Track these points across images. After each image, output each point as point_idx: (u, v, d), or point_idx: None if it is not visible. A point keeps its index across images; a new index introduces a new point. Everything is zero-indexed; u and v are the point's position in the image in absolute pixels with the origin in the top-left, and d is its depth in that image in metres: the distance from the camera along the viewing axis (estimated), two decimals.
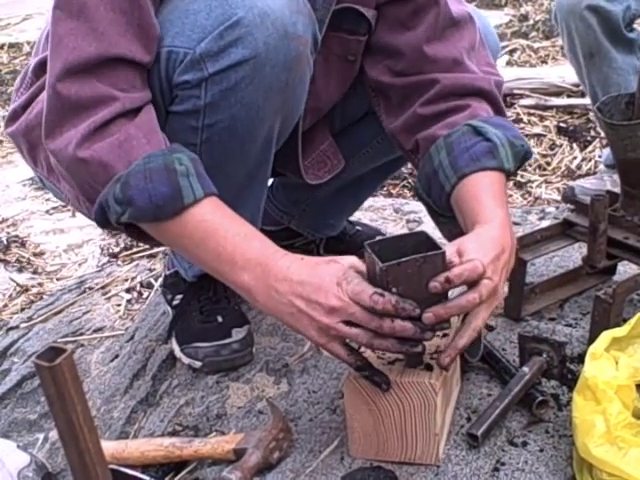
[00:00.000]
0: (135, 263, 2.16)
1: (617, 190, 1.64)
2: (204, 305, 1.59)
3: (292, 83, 1.28)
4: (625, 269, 1.67)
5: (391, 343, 1.08)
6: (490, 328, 1.53)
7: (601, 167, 2.53)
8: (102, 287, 2.02)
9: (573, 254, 1.81)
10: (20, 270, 2.41)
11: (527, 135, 3.00)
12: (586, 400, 1.12)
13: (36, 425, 1.50)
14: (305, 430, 1.32)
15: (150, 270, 2.08)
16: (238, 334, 1.54)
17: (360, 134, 1.70)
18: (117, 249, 2.38)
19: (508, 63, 3.87)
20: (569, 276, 1.65)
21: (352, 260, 1.12)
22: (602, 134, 2.78)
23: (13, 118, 1.44)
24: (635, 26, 2.16)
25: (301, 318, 1.10)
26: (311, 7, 1.32)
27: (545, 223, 2.02)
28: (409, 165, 2.52)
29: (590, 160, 2.77)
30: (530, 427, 1.27)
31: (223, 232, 1.15)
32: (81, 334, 1.79)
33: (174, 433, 1.38)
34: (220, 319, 1.57)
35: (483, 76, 1.42)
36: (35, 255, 2.50)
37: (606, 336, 1.21)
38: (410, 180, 2.71)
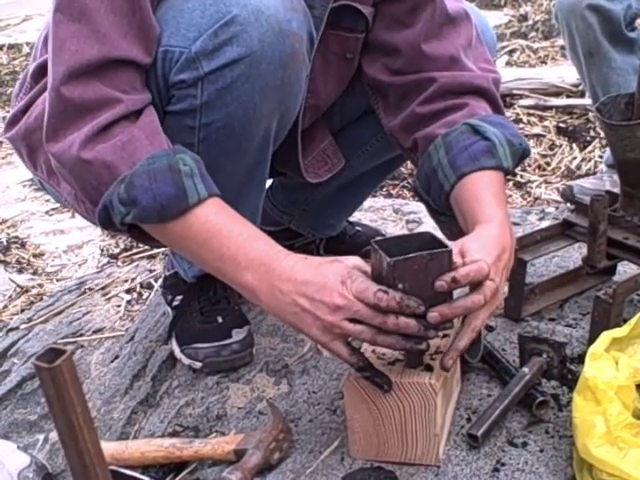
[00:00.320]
0: (135, 264, 2.16)
1: (617, 190, 1.64)
2: (204, 306, 1.59)
3: (288, 81, 1.28)
4: (625, 269, 1.67)
5: (395, 339, 1.08)
6: (490, 328, 1.53)
7: (601, 167, 2.53)
8: (102, 288, 2.02)
9: (573, 254, 1.81)
10: (20, 271, 2.41)
11: (527, 135, 3.00)
12: (586, 400, 1.12)
13: (36, 426, 1.50)
14: (305, 431, 1.32)
15: (150, 271, 2.08)
16: (238, 335, 1.54)
17: (359, 132, 1.70)
18: (117, 250, 2.38)
19: (507, 63, 3.87)
20: (569, 276, 1.65)
21: (355, 260, 1.12)
22: (602, 134, 2.79)
23: (12, 123, 1.44)
24: (636, 25, 2.16)
25: (305, 317, 1.10)
26: (309, 5, 1.33)
27: (545, 223, 2.02)
28: (409, 165, 2.54)
29: (590, 160, 2.77)
30: (530, 427, 1.27)
31: (226, 232, 1.15)
32: (81, 335, 1.79)
33: (174, 434, 1.38)
34: (220, 320, 1.57)
35: (481, 74, 1.42)
36: (35, 256, 2.50)
37: (606, 336, 1.21)
38: (410, 180, 2.71)
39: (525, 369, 1.29)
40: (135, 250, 2.28)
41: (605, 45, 2.10)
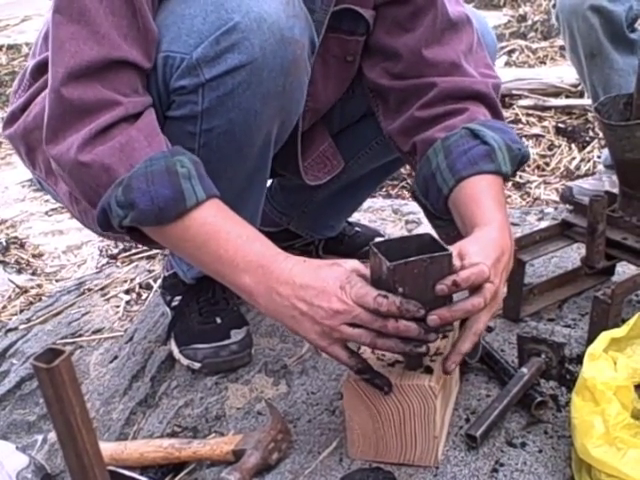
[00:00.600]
0: (134, 264, 2.16)
1: (615, 191, 1.64)
2: (203, 306, 1.59)
3: (289, 87, 1.28)
4: (624, 270, 1.67)
5: (395, 343, 1.08)
6: (489, 329, 1.53)
7: (600, 167, 2.53)
8: (101, 288, 2.02)
9: (572, 255, 1.81)
10: (19, 271, 2.41)
11: (526, 136, 3.00)
12: (585, 401, 1.12)
13: (35, 426, 1.50)
14: (304, 431, 1.32)
15: (149, 271, 2.08)
16: (237, 335, 1.54)
17: (359, 135, 1.70)
18: (116, 250, 2.38)
19: (507, 64, 3.87)
20: (568, 277, 1.65)
21: (354, 264, 1.12)
22: (601, 134, 2.79)
23: (11, 120, 1.44)
24: (637, 26, 2.16)
25: (303, 321, 1.10)
26: (310, 9, 1.32)
27: (544, 224, 2.02)
28: (408, 166, 2.53)
29: (589, 161, 2.77)
30: (529, 428, 1.27)
31: (225, 234, 1.15)
32: (80, 335, 1.79)
33: (173, 434, 1.38)
34: (219, 320, 1.57)
35: (481, 79, 1.42)
36: (34, 256, 2.50)
37: (605, 337, 1.21)
38: (409, 181, 2.71)
39: (524, 369, 1.29)
40: (134, 251, 2.28)
41: (607, 46, 2.10)
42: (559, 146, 2.91)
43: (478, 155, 1.30)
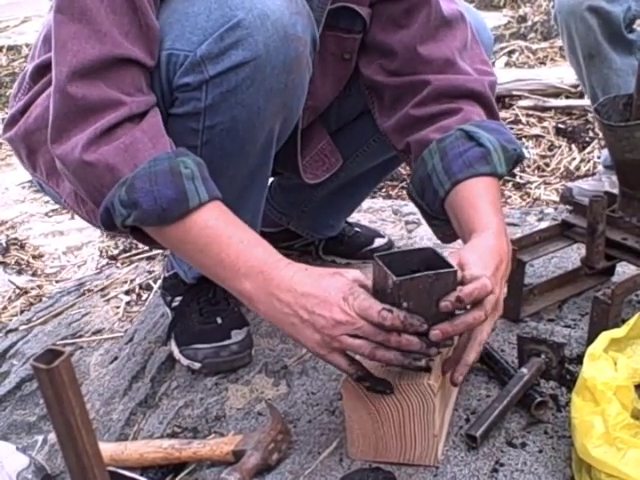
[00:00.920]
0: (134, 265, 2.16)
1: (615, 191, 1.64)
2: (203, 307, 1.59)
3: (292, 84, 1.28)
4: (624, 270, 1.67)
5: (394, 355, 1.08)
6: None
7: (600, 168, 2.53)
8: (101, 289, 2.02)
9: (572, 255, 1.81)
10: (19, 272, 2.41)
11: (526, 136, 3.00)
12: (585, 401, 1.12)
13: (35, 427, 1.50)
14: (304, 431, 1.32)
15: (149, 272, 2.08)
16: (237, 336, 1.54)
17: (357, 133, 1.70)
18: (116, 251, 2.38)
19: (506, 64, 3.87)
20: (568, 277, 1.65)
21: (356, 274, 1.12)
22: (600, 135, 2.79)
23: (11, 123, 1.44)
24: (635, 27, 2.17)
25: (303, 329, 1.10)
26: None
27: (544, 224, 2.02)
28: (408, 167, 2.53)
29: (589, 161, 2.77)
30: (529, 428, 1.27)
31: (226, 238, 1.15)
32: (80, 336, 1.79)
33: (173, 435, 1.38)
34: (219, 321, 1.57)
35: (476, 77, 1.42)
36: (34, 257, 2.50)
37: (605, 337, 1.21)
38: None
39: (524, 370, 1.29)
40: (134, 251, 2.28)
41: (605, 47, 2.11)
42: (559, 147, 2.91)
43: (474, 157, 1.30)
